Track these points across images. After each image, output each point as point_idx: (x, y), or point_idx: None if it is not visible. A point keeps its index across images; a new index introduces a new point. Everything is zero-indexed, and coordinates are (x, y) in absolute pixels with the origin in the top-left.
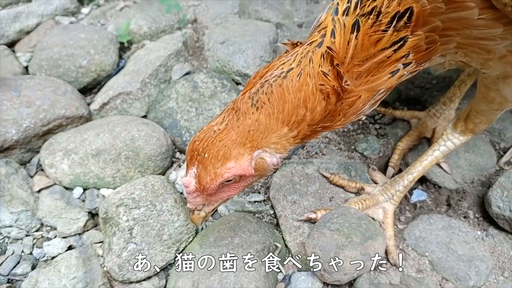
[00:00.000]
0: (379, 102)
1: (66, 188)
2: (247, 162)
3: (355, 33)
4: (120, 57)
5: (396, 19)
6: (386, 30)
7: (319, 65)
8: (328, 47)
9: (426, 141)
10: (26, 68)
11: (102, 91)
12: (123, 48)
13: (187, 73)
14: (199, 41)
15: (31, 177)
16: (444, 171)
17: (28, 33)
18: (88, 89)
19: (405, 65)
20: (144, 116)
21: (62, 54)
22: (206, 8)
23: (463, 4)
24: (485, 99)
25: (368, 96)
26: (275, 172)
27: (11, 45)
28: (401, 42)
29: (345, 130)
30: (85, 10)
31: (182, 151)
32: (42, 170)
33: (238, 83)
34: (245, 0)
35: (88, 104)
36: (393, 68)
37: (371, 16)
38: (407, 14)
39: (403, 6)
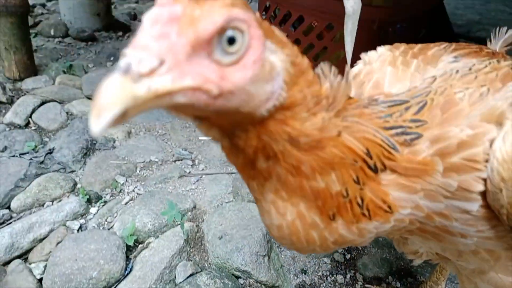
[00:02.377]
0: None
1: None
2: (262, 38)
3: None
4: (127, 257)
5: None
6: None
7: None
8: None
9: None
10: (40, 280)
11: None
12: (130, 248)
13: (191, 275)
14: (199, 230)
15: None
16: None
17: (41, 240)
18: None
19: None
20: None
21: (74, 268)
22: (203, 191)
23: (469, 195)
24: None
25: (340, 144)
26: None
27: (24, 254)
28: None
29: None
30: (93, 210)
31: None
32: None
33: (238, 277)
34: (236, 182)
35: None
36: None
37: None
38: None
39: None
